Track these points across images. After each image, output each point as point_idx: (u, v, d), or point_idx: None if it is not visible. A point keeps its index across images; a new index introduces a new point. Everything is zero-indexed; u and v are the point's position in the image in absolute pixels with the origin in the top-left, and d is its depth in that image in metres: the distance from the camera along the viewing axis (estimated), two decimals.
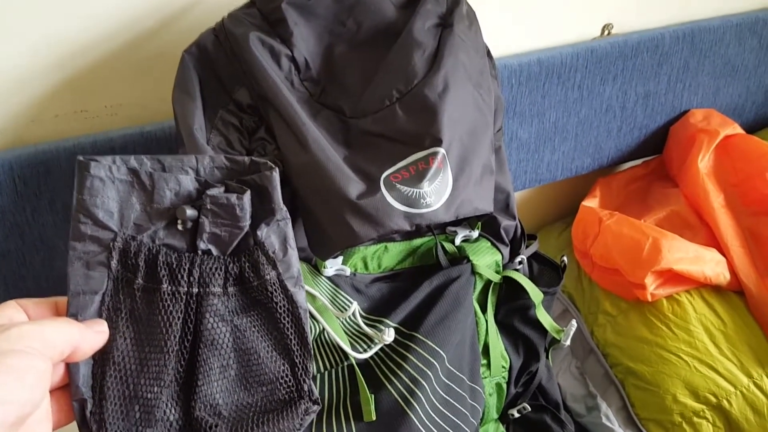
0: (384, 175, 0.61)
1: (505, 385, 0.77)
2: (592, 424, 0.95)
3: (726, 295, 0.95)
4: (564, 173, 1.10)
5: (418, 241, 0.74)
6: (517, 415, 0.79)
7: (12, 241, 0.74)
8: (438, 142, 0.61)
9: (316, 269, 0.68)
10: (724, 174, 1.04)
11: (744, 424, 0.84)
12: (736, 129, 1.07)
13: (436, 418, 0.64)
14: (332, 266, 0.68)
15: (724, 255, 0.96)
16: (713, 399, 0.86)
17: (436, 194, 0.61)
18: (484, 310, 0.74)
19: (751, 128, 1.19)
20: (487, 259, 0.74)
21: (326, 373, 0.65)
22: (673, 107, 1.12)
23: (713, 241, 0.99)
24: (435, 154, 0.61)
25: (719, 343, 0.90)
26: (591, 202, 1.10)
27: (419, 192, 0.60)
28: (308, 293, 0.64)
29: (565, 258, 0.79)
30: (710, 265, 0.93)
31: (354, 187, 0.60)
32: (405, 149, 0.62)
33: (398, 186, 0.61)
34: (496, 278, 0.74)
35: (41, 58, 0.72)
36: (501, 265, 0.76)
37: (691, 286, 0.95)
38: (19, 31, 0.70)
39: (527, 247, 0.79)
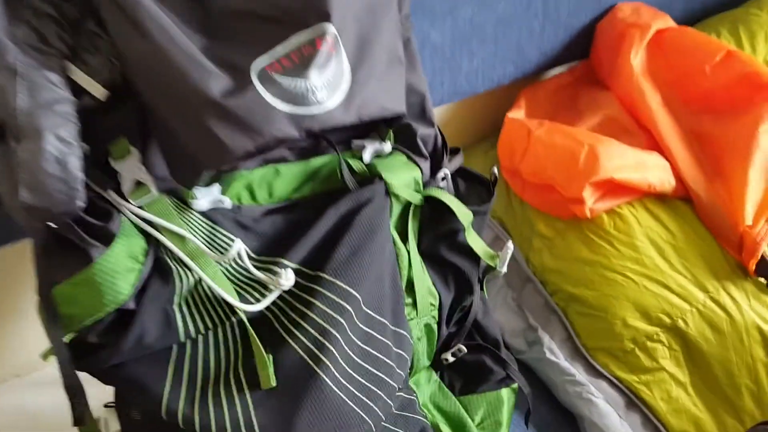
0: (256, 65, 0.51)
1: (435, 326, 0.69)
2: (534, 360, 0.89)
3: (672, 203, 0.88)
4: (485, 84, 1.00)
5: (317, 161, 0.63)
6: (451, 359, 0.72)
7: None
8: (326, 17, 0.52)
9: (184, 202, 0.55)
10: (659, 71, 0.96)
11: (703, 344, 0.78)
12: (669, 22, 1.00)
13: (354, 374, 0.55)
14: (205, 197, 0.55)
15: (667, 159, 0.89)
16: (667, 320, 0.79)
17: (329, 88, 0.52)
18: (404, 239, 0.65)
19: (682, 23, 1.11)
20: (403, 177, 0.64)
21: (209, 333, 0.54)
22: (599, 2, 1.03)
23: (654, 145, 0.92)
24: (323, 34, 0.52)
25: (669, 257, 0.83)
26: (517, 114, 1.01)
27: (306, 84, 0.51)
28: (175, 234, 0.52)
29: (495, 169, 0.69)
30: (654, 172, 0.86)
31: (216, 82, 0.49)
32: (283, 30, 0.52)
33: (277, 79, 0.51)
34: (416, 199, 0.65)
35: None
36: (421, 182, 0.66)
37: (633, 197, 0.88)
38: None
39: (450, 160, 0.70)
